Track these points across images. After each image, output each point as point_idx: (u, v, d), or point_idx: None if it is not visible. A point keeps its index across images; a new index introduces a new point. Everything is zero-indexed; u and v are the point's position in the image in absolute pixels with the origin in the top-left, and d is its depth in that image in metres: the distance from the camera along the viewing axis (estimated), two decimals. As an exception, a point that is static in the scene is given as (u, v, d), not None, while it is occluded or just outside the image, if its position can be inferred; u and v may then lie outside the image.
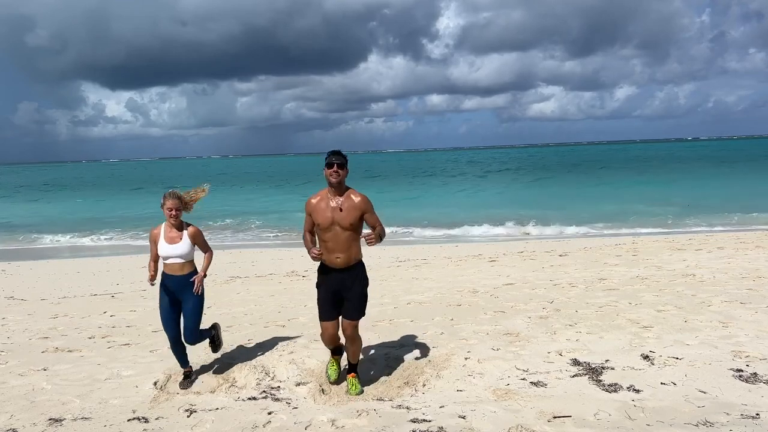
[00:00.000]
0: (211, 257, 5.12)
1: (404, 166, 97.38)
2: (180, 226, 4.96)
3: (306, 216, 4.73)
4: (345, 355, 5.04)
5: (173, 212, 4.88)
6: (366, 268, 4.84)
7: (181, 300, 5.00)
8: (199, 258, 5.03)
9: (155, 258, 5.04)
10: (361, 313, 4.77)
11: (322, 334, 4.88)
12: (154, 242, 4.97)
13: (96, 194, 52.40)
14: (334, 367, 5.01)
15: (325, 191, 4.64)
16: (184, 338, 5.07)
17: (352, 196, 4.60)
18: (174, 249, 4.90)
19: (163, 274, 4.98)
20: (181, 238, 4.91)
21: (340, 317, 4.78)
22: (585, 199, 32.31)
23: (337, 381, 5.00)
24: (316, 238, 4.74)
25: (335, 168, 4.49)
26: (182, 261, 4.93)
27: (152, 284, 4.97)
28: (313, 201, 4.65)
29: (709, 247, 12.72)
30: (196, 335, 5.09)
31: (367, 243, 4.53)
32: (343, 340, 4.93)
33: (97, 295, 11.24)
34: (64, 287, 12.62)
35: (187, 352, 5.20)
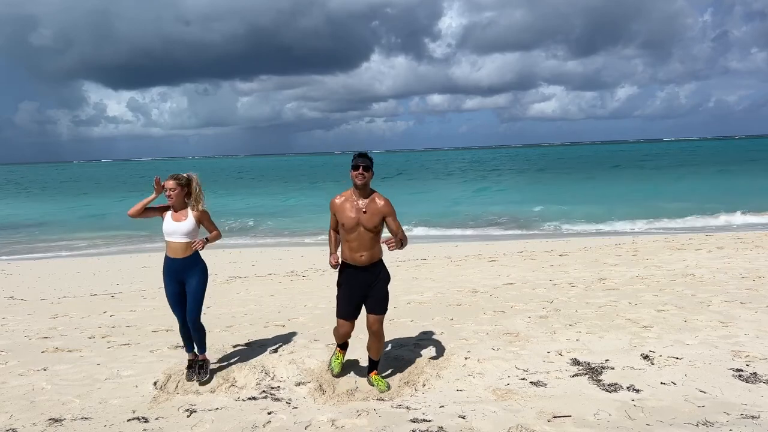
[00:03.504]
0: (219, 237, 5.20)
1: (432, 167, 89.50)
2: (186, 207, 5.02)
3: (331, 215, 4.85)
4: (366, 353, 5.13)
5: (169, 192, 4.92)
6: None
7: (184, 282, 5.07)
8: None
9: (152, 202, 5.01)
10: (385, 308, 4.90)
11: (336, 330, 5.03)
12: (161, 213, 5.03)
13: None
14: (338, 361, 5.10)
15: (349, 192, 4.75)
16: (187, 316, 5.13)
17: (377, 199, 4.71)
18: (179, 226, 4.95)
19: (166, 258, 5.04)
20: (186, 217, 4.98)
21: (367, 314, 4.90)
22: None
23: (340, 374, 5.11)
24: (340, 236, 4.87)
25: (361, 170, 4.60)
26: (185, 240, 4.96)
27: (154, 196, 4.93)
28: (338, 201, 4.77)
29: (709, 247, 12.72)
30: (198, 316, 5.13)
31: (389, 248, 4.63)
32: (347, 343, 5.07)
33: (97, 295, 11.24)
34: (64, 287, 12.62)
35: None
